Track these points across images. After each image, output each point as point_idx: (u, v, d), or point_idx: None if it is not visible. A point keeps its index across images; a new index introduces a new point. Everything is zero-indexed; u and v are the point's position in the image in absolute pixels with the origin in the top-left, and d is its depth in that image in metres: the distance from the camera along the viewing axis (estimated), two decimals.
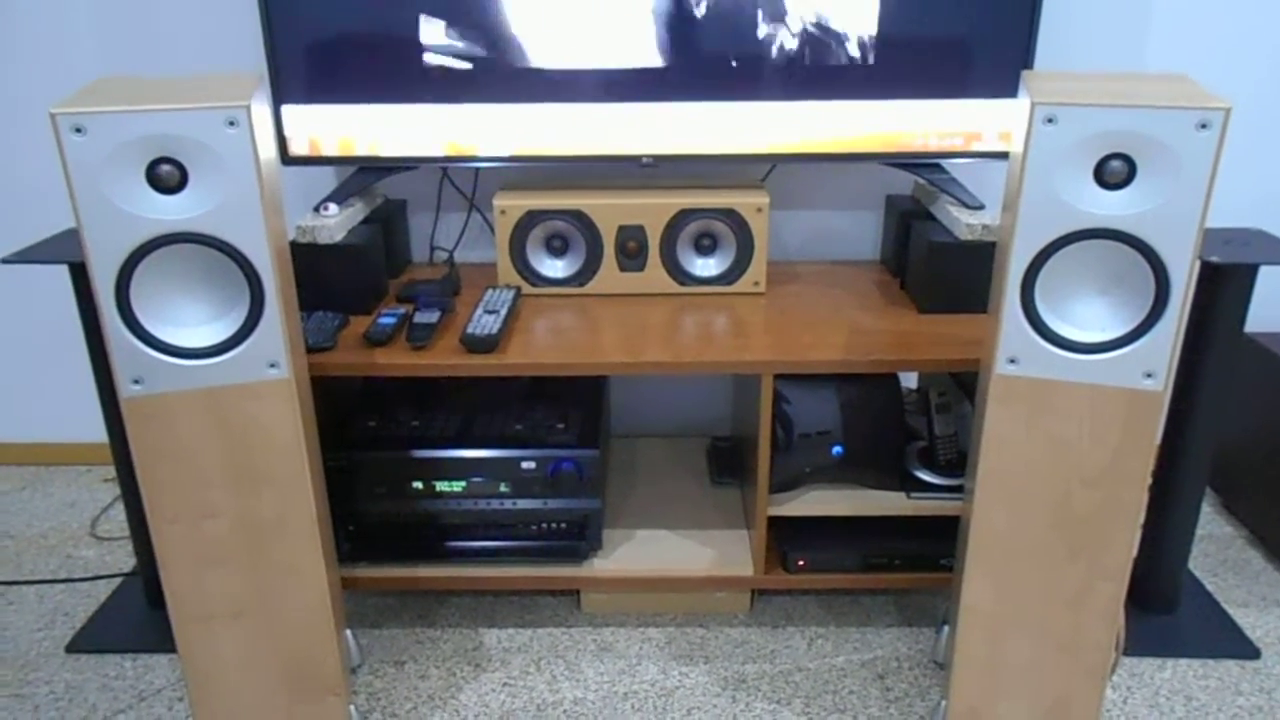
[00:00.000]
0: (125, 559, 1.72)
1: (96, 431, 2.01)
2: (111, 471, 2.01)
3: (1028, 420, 1.07)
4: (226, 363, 1.03)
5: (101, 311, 0.98)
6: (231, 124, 0.96)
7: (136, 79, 1.05)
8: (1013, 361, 1.05)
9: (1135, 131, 0.94)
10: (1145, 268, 0.98)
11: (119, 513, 1.86)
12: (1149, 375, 1.02)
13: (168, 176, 0.96)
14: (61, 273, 1.86)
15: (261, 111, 1.00)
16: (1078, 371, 1.03)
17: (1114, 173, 0.96)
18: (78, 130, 0.92)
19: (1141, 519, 1.15)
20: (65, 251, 1.32)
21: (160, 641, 1.49)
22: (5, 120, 1.75)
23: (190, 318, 1.03)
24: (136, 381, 1.02)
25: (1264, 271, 1.79)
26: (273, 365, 1.05)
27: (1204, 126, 0.92)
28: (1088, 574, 1.12)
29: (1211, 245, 1.33)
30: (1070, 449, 1.07)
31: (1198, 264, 1.12)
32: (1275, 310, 1.85)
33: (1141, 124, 0.93)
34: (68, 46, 1.70)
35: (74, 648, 1.49)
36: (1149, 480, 1.08)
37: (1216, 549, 1.72)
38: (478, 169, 1.75)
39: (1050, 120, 0.96)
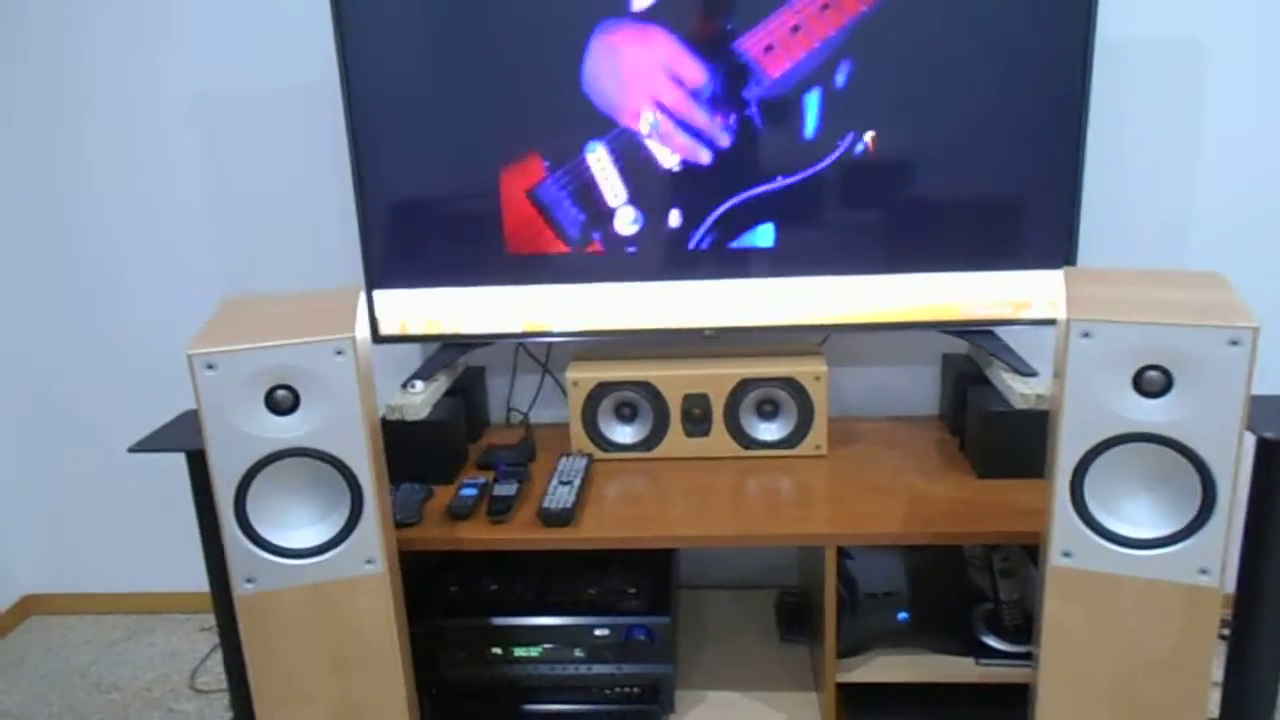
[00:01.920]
0: (221, 713, 1.81)
1: (193, 582, 2.14)
2: (209, 620, 2.13)
3: (1087, 611, 1.11)
4: (328, 561, 1.13)
5: (221, 520, 1.09)
6: (339, 353, 1.08)
7: (254, 300, 1.18)
8: (1067, 555, 1.09)
9: (1168, 347, 0.99)
10: (1190, 469, 1.03)
11: (216, 664, 1.96)
12: (1204, 571, 1.05)
13: (283, 400, 1.08)
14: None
15: (362, 328, 1.12)
16: (1132, 566, 1.07)
17: (1151, 382, 1.01)
18: (210, 367, 1.04)
19: (1211, 696, 1.16)
20: (184, 439, 1.46)
21: None
22: (128, 312, 1.95)
23: (296, 520, 1.14)
24: (249, 581, 1.12)
25: None
26: (369, 561, 1.15)
27: (1235, 344, 0.97)
28: None
29: (1266, 417, 1.35)
30: (1130, 640, 1.10)
31: (1246, 466, 1.16)
32: None
33: (1174, 340, 0.99)
34: (184, 219, 1.90)
35: None
36: (1215, 672, 1.09)
37: None
38: (550, 342, 1.87)
39: (1086, 335, 1.02)
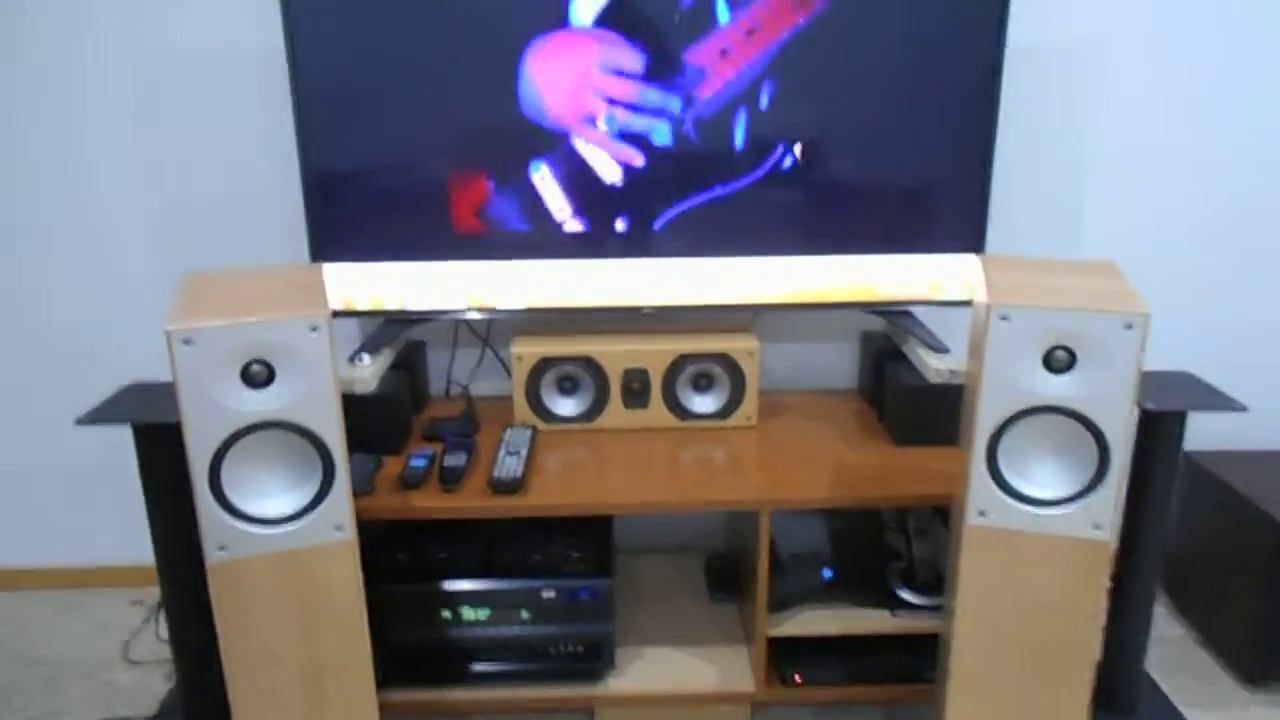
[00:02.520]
0: (158, 684, 1.81)
1: (123, 555, 2.12)
2: (139, 594, 2.12)
3: (997, 564, 1.24)
4: (300, 529, 1.18)
5: (195, 490, 1.13)
6: (314, 329, 1.12)
7: (218, 277, 1.21)
8: (982, 514, 1.23)
9: (1074, 330, 1.13)
10: (1089, 438, 1.17)
11: (149, 636, 1.96)
12: (1097, 527, 1.20)
13: (258, 375, 1.12)
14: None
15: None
16: (1037, 523, 1.21)
17: (1058, 360, 1.15)
18: (187, 342, 1.07)
19: (1100, 636, 1.32)
20: (131, 413, 1.46)
21: None
22: (67, 286, 1.91)
23: (269, 490, 1.18)
24: (222, 548, 1.16)
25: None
26: (339, 528, 1.20)
27: (1129, 327, 1.11)
28: (1054, 693, 1.28)
29: (1147, 391, 1.52)
30: (1034, 588, 1.24)
31: (1134, 431, 1.31)
32: (1215, 429, 2.05)
33: (1079, 324, 1.12)
34: (112, 193, 1.87)
35: None
36: (1103, 615, 1.25)
37: (1170, 651, 1.89)
38: (491, 318, 1.92)
39: (1005, 318, 1.15)
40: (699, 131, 1.65)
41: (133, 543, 2.11)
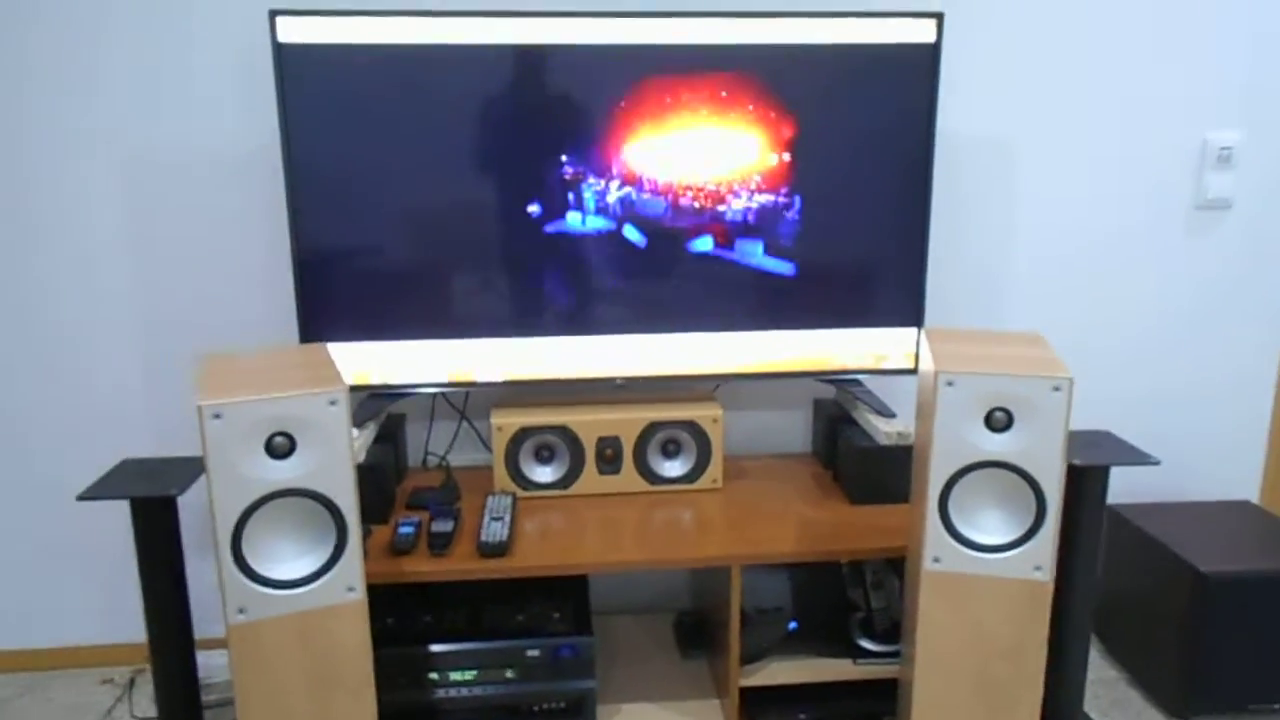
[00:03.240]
0: None
1: (89, 634, 2.13)
2: (109, 673, 2.12)
3: (951, 605, 1.38)
4: (315, 590, 1.26)
5: (219, 555, 1.20)
6: (333, 403, 1.22)
7: (233, 358, 1.31)
8: (936, 560, 1.37)
9: (1010, 393, 1.29)
10: (1027, 489, 1.32)
11: (122, 714, 1.97)
12: (1038, 568, 1.34)
13: (280, 446, 1.21)
14: (62, 487, 2.03)
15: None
16: (985, 567, 1.35)
17: (997, 420, 1.31)
18: (216, 416, 1.17)
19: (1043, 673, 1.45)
20: (129, 488, 1.52)
21: None
22: (59, 364, 1.96)
23: (285, 555, 1.26)
24: (241, 611, 1.23)
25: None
26: (350, 589, 1.28)
27: (1056, 389, 1.28)
28: None
29: (1074, 448, 1.70)
30: (984, 627, 1.38)
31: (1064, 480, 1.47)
32: (1133, 484, 2.25)
33: (1014, 388, 1.29)
34: (108, 285, 1.94)
35: None
36: (1045, 655, 1.39)
37: (1105, 691, 2.04)
38: (468, 391, 2.03)
39: (950, 384, 1.31)
40: (666, 229, 1.81)
41: (98, 622, 2.12)
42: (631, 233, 1.81)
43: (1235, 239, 2.14)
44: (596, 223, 1.80)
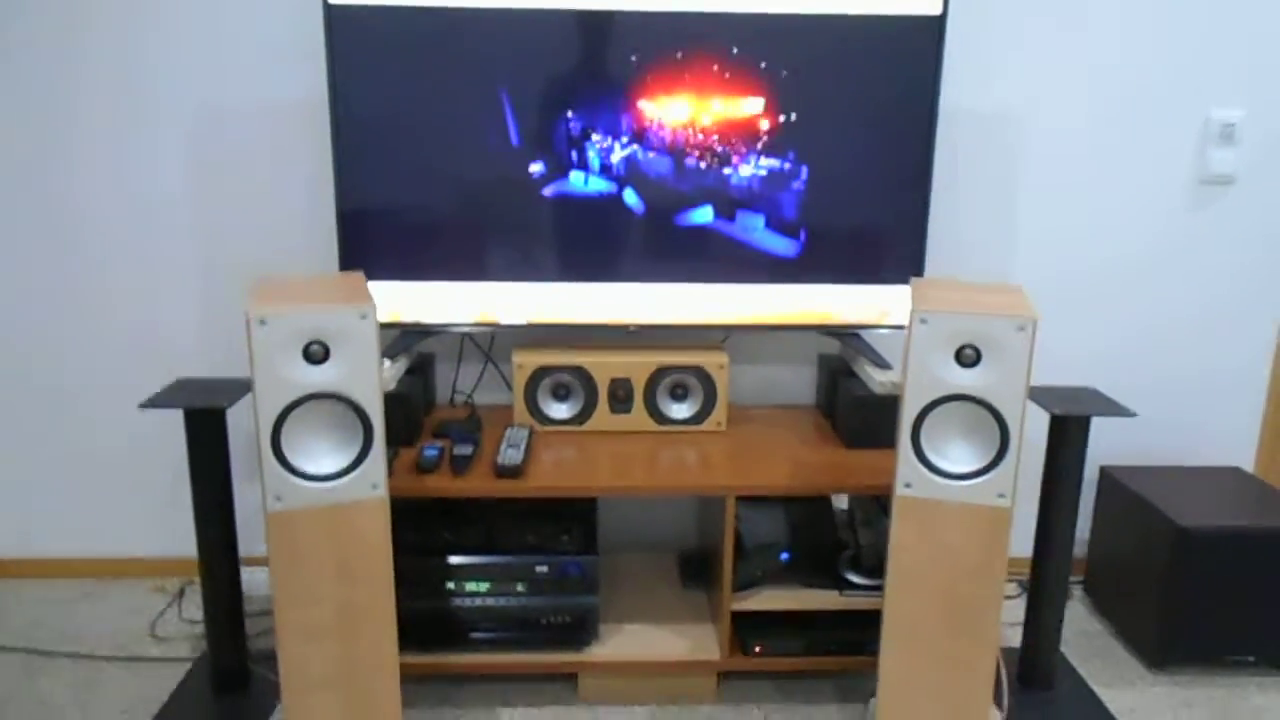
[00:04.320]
0: (185, 654, 2.01)
1: (142, 548, 2.32)
2: (160, 582, 2.32)
3: (921, 530, 1.50)
4: (343, 485, 1.42)
5: (261, 447, 1.36)
6: (363, 316, 1.37)
7: (281, 279, 1.46)
8: (908, 486, 1.48)
9: (978, 331, 1.40)
10: (992, 421, 1.43)
11: (173, 617, 2.16)
12: (1001, 495, 1.46)
13: (316, 353, 1.36)
14: (126, 408, 2.22)
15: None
16: (953, 493, 1.47)
17: (966, 357, 1.42)
18: (262, 323, 1.32)
19: (1021, 612, 1.56)
20: (183, 399, 1.70)
21: None
22: (108, 301, 2.16)
23: (317, 452, 1.42)
24: (278, 499, 1.39)
25: (1122, 419, 2.28)
26: (374, 486, 1.44)
27: (1021, 329, 1.39)
28: (969, 645, 1.52)
29: (1055, 401, 1.80)
30: (952, 550, 1.49)
31: (1029, 411, 1.58)
32: (1132, 451, 2.33)
33: (981, 326, 1.40)
34: (168, 227, 2.13)
35: None
36: (1005, 575, 1.50)
37: (1087, 641, 2.14)
38: (494, 331, 2.18)
39: (924, 321, 1.42)
40: (685, 181, 1.93)
41: (154, 536, 2.32)
42: (642, 196, 1.94)
43: (1237, 214, 2.21)
44: (615, 183, 1.93)
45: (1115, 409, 1.76)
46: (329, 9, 1.83)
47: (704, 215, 1.96)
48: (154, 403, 1.70)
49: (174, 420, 2.24)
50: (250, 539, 2.23)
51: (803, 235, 1.98)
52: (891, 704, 1.57)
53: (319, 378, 1.37)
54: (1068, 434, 1.78)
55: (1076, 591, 2.34)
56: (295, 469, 1.39)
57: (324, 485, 1.41)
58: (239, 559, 1.80)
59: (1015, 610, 2.20)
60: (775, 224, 1.97)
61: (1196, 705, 1.91)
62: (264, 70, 2.06)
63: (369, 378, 1.39)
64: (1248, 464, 2.36)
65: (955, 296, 1.47)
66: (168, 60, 2.04)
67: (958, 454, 1.48)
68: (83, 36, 2.02)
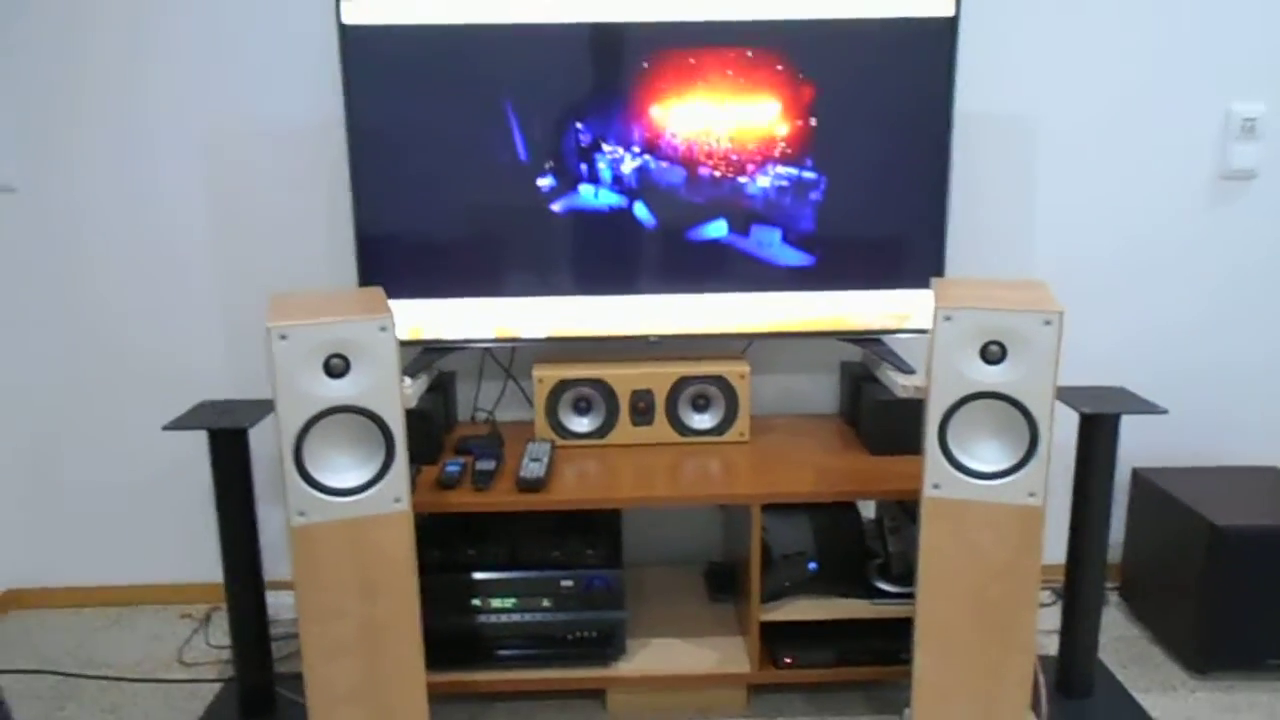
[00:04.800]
0: (212, 679, 2.00)
1: (169, 574, 2.32)
2: (189, 609, 2.32)
3: (952, 532, 1.47)
4: (365, 499, 1.41)
5: (284, 462, 1.36)
6: (382, 329, 1.37)
7: (299, 294, 1.47)
8: (936, 486, 1.46)
9: (1003, 326, 1.38)
10: (1021, 418, 1.41)
11: (200, 643, 2.16)
12: (1031, 494, 1.43)
13: (336, 367, 1.36)
14: (149, 435, 2.23)
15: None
16: (982, 493, 1.44)
17: (992, 353, 1.40)
18: (283, 337, 1.33)
19: (1057, 619, 1.52)
20: (206, 420, 1.70)
21: None
22: (133, 326, 2.17)
23: (340, 466, 1.41)
24: (301, 513, 1.39)
25: (1152, 418, 2.24)
26: (397, 500, 1.43)
27: (1047, 323, 1.37)
28: (1003, 649, 1.49)
29: (1084, 400, 1.77)
30: (982, 551, 1.46)
31: (1057, 413, 1.55)
32: (1164, 452, 2.29)
33: (1007, 321, 1.38)
34: (188, 251, 2.14)
35: None
36: (1039, 576, 1.47)
37: (1125, 647, 2.09)
38: (514, 347, 2.18)
39: (948, 318, 1.40)
40: (698, 193, 1.93)
41: (179, 563, 2.32)
42: (654, 210, 1.94)
43: (1260, 209, 2.18)
44: (626, 196, 1.93)
45: (1146, 406, 1.74)
46: (344, 29, 1.85)
47: (718, 229, 1.95)
48: (177, 424, 1.71)
49: (198, 446, 2.25)
50: (275, 562, 2.23)
51: (820, 242, 1.97)
52: (926, 712, 1.54)
53: (340, 391, 1.37)
54: (1098, 433, 1.75)
55: (1113, 597, 2.29)
56: (318, 483, 1.39)
57: (347, 500, 1.40)
58: (264, 581, 1.80)
59: (1051, 618, 2.16)
60: (791, 235, 1.96)
61: (1241, 711, 1.86)
62: (279, 92, 2.08)
63: (390, 391, 1.39)
64: None
65: (979, 293, 1.45)
66: (182, 84, 2.07)
67: (986, 453, 1.45)
68: (96, 63, 2.05)
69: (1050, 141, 2.15)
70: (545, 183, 1.92)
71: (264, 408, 1.74)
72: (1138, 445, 2.29)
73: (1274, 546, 1.88)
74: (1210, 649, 1.94)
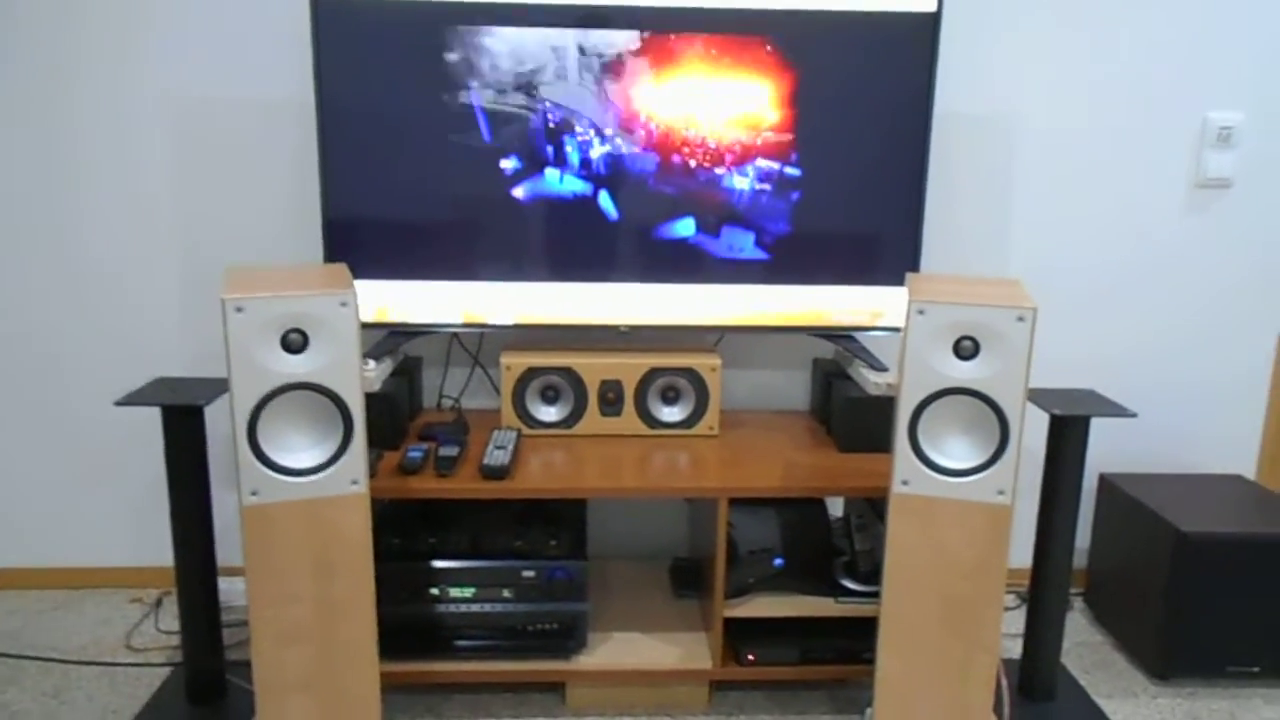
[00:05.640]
0: (160, 666, 1.95)
1: (118, 557, 2.26)
2: (139, 593, 2.25)
3: (919, 528, 1.45)
4: (321, 480, 1.37)
5: (236, 439, 1.32)
6: (343, 304, 1.33)
7: (256, 268, 1.42)
8: (905, 483, 1.44)
9: (976, 321, 1.37)
10: (992, 415, 1.39)
11: (149, 628, 2.10)
12: (1000, 492, 1.41)
13: (294, 342, 1.32)
14: (103, 413, 2.17)
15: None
16: (951, 490, 1.43)
17: (964, 349, 1.38)
18: (239, 309, 1.28)
19: (1021, 623, 1.51)
20: (161, 397, 1.65)
21: None
22: (92, 291, 2.11)
23: (296, 446, 1.37)
24: (254, 493, 1.34)
25: (1121, 422, 2.24)
26: (354, 482, 1.39)
27: (1020, 319, 1.35)
28: (968, 647, 1.48)
29: (1054, 402, 1.76)
30: (949, 549, 1.45)
31: (1026, 418, 1.54)
32: (1131, 458, 2.29)
33: (980, 316, 1.36)
34: (149, 223, 2.09)
35: None
36: (1005, 575, 1.45)
37: (1089, 653, 2.09)
38: (482, 333, 2.14)
39: (921, 312, 1.38)
40: (678, 182, 1.91)
41: (131, 546, 2.26)
42: (619, 198, 1.91)
43: (1234, 218, 2.19)
44: (591, 184, 1.90)
45: (1115, 409, 1.73)
46: (316, 4, 1.81)
47: (686, 227, 1.93)
48: (130, 400, 1.66)
49: (153, 425, 2.19)
50: (230, 549, 2.17)
51: (794, 237, 1.94)
52: (889, 711, 1.52)
53: (298, 368, 1.33)
54: (1068, 435, 1.74)
55: (1077, 604, 2.29)
56: (272, 462, 1.34)
57: (302, 480, 1.36)
58: (216, 564, 1.75)
59: (1015, 622, 2.15)
60: (766, 227, 1.94)
61: (1202, 717, 1.86)
62: (250, 66, 2.03)
63: (350, 369, 1.35)
64: (1249, 473, 2.32)
65: (954, 288, 1.43)
66: (152, 55, 2.01)
67: (956, 450, 1.44)
68: (68, 33, 1.99)
69: (1028, 144, 2.14)
70: (509, 165, 1.89)
71: (221, 386, 1.69)
72: (1106, 452, 2.29)
73: (1239, 554, 1.88)
74: (1173, 655, 1.94)
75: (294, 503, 1.36)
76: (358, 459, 1.38)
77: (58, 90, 2.02)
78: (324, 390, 1.34)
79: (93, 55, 2.01)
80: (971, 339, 1.38)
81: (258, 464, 1.33)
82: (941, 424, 1.43)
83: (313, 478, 1.37)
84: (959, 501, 1.43)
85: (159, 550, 2.26)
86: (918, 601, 1.47)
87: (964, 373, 1.39)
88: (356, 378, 1.36)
